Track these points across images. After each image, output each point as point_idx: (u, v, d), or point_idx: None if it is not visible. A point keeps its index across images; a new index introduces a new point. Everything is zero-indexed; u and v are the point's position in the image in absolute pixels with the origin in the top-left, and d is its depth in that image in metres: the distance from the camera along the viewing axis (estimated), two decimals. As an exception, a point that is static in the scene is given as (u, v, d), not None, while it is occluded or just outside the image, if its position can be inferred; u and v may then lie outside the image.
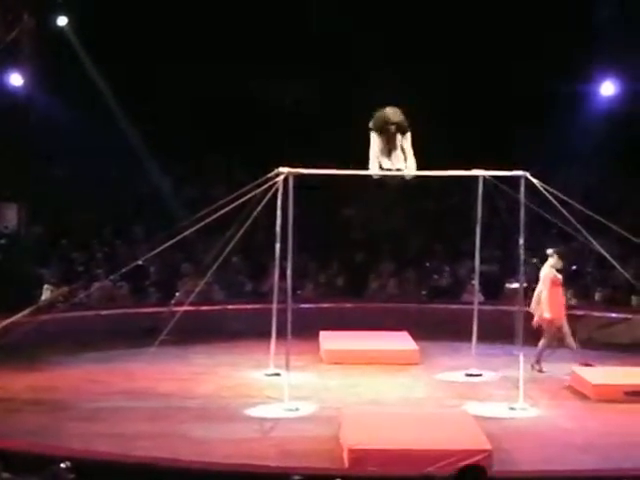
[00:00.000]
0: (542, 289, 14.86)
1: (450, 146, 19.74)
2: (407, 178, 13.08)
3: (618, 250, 14.57)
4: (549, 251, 15.00)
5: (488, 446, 9.71)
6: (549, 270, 14.89)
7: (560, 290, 14.95)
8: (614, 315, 15.11)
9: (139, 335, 15.40)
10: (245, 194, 13.13)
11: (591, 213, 13.51)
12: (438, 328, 17.16)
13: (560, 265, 14.89)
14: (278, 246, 13.94)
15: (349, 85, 21.79)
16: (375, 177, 13.18)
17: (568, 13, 21.26)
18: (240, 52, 21.64)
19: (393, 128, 13.02)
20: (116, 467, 9.02)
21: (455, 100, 21.39)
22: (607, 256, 14.43)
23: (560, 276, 14.92)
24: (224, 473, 8.92)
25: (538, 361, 14.75)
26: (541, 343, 14.78)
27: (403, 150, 13.02)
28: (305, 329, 15.11)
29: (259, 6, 21.54)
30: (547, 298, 14.74)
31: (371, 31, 21.47)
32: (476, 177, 13.91)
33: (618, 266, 14.50)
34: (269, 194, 13.19)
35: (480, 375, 14.84)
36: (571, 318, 15.61)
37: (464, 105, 21.38)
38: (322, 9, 21.83)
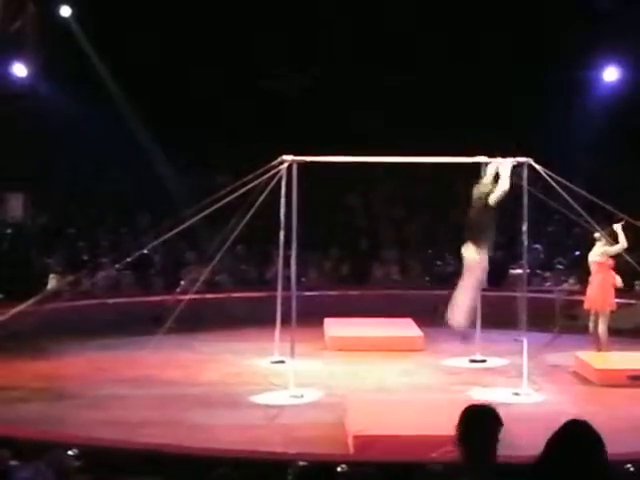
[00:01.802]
0: (594, 273, 14.80)
1: (453, 130, 19.74)
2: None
3: (623, 226, 14.54)
4: (596, 235, 14.78)
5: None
6: (600, 253, 14.76)
7: (611, 274, 14.85)
8: (618, 300, 15.11)
9: (144, 323, 15.44)
10: (249, 182, 13.17)
11: (594, 198, 13.53)
12: (442, 314, 17.18)
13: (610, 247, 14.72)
14: (282, 234, 13.97)
15: (350, 74, 21.80)
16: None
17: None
18: (245, 42, 21.63)
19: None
20: (121, 454, 9.06)
21: (457, 83, 21.37)
22: (609, 241, 14.47)
23: (611, 260, 14.79)
24: (229, 459, 8.95)
25: (601, 347, 14.65)
26: (601, 328, 14.64)
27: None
28: (309, 316, 15.13)
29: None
30: (600, 282, 14.70)
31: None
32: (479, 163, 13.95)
33: (622, 240, 14.51)
34: (273, 182, 13.23)
35: (484, 361, 14.88)
36: (576, 304, 15.61)
37: (465, 90, 21.35)
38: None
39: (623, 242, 14.54)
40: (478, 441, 4.89)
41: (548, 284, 19.23)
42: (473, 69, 21.25)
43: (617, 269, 14.96)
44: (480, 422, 4.96)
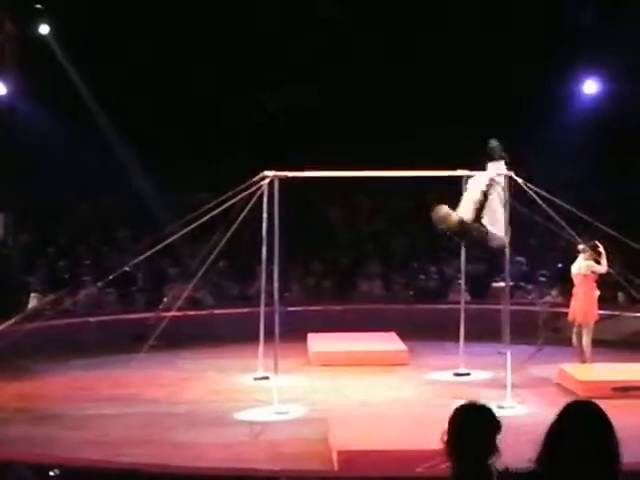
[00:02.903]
0: (578, 285, 14.77)
1: (438, 144, 19.76)
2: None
3: (604, 247, 14.57)
4: (580, 247, 14.74)
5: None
6: (585, 266, 14.72)
7: (594, 286, 14.82)
8: (601, 312, 15.11)
9: (127, 341, 15.38)
10: (231, 198, 13.14)
11: (576, 211, 13.54)
12: (426, 328, 17.18)
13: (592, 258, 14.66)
14: (265, 250, 13.94)
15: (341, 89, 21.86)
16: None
17: (553, 14, 21.36)
18: (227, 58, 21.67)
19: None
20: (105, 474, 8.99)
21: (444, 100, 21.43)
22: (590, 253, 14.48)
23: (597, 269, 14.73)
24: (214, 477, 8.91)
25: (585, 359, 14.61)
26: (585, 340, 14.60)
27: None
28: (293, 332, 15.14)
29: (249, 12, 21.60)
30: (584, 294, 14.68)
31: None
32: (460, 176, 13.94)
33: (604, 263, 14.53)
34: (254, 198, 13.20)
35: (468, 374, 14.86)
36: (559, 316, 15.60)
37: (454, 104, 21.41)
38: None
39: (604, 266, 14.56)
40: (472, 448, 4.22)
41: (531, 297, 19.24)
42: (463, 78, 21.37)
43: (600, 280, 14.96)
44: (474, 425, 4.28)
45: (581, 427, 3.90)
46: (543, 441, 3.93)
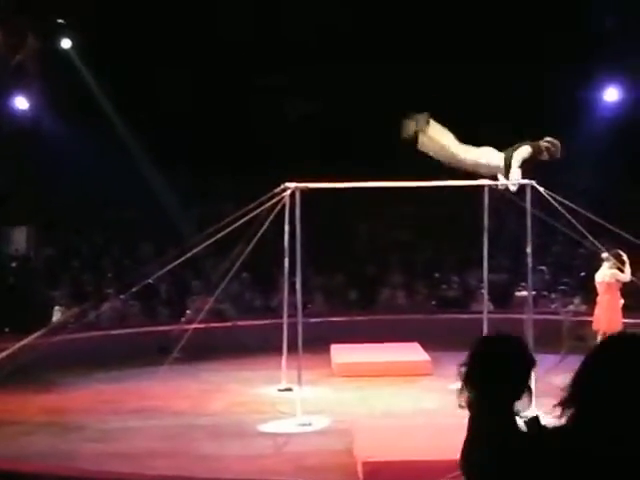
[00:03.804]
0: (602, 293, 14.72)
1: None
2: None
3: (627, 256, 14.52)
4: (604, 255, 14.70)
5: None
6: (609, 274, 14.69)
7: (618, 294, 14.77)
8: (625, 320, 15.03)
9: (150, 354, 15.41)
10: (253, 210, 13.15)
11: (598, 219, 13.49)
12: (449, 338, 17.12)
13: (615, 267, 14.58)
14: (287, 261, 13.94)
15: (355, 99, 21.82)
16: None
17: (572, 18, 21.27)
18: (246, 65, 21.72)
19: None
20: (130, 486, 9.02)
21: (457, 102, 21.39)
22: (614, 261, 14.42)
23: (621, 278, 14.68)
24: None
25: None
26: None
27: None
28: (316, 343, 15.12)
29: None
30: (608, 303, 14.64)
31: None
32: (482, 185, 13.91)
33: (628, 271, 14.48)
34: (276, 209, 13.21)
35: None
36: (583, 324, 15.54)
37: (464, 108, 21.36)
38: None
39: (628, 274, 14.52)
40: (496, 385, 3.55)
41: (554, 305, 19.15)
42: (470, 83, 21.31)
43: (623, 289, 14.90)
44: (501, 357, 3.56)
45: (626, 360, 3.13)
46: (573, 381, 3.37)
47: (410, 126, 13.10)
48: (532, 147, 13.04)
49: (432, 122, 13.08)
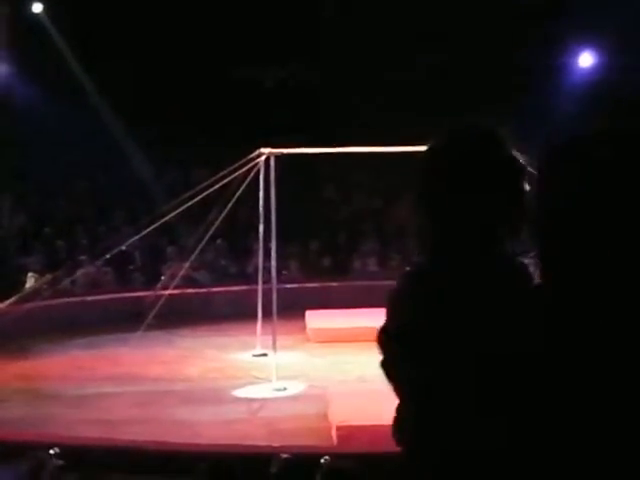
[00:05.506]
0: None
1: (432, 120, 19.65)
2: None
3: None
4: None
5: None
6: None
7: None
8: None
9: (125, 320, 15.39)
10: (227, 176, 13.11)
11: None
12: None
13: None
14: (262, 227, 13.92)
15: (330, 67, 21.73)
16: None
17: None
18: (220, 35, 21.53)
19: None
20: (104, 452, 9.03)
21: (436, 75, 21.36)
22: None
23: None
24: (213, 455, 8.93)
25: None
26: None
27: None
28: (291, 309, 15.14)
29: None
30: None
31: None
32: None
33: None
34: (251, 175, 13.18)
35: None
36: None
37: (445, 80, 21.32)
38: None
39: None
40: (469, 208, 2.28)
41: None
42: (444, 57, 21.25)
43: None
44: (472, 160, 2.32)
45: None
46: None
47: None
48: None
49: None
